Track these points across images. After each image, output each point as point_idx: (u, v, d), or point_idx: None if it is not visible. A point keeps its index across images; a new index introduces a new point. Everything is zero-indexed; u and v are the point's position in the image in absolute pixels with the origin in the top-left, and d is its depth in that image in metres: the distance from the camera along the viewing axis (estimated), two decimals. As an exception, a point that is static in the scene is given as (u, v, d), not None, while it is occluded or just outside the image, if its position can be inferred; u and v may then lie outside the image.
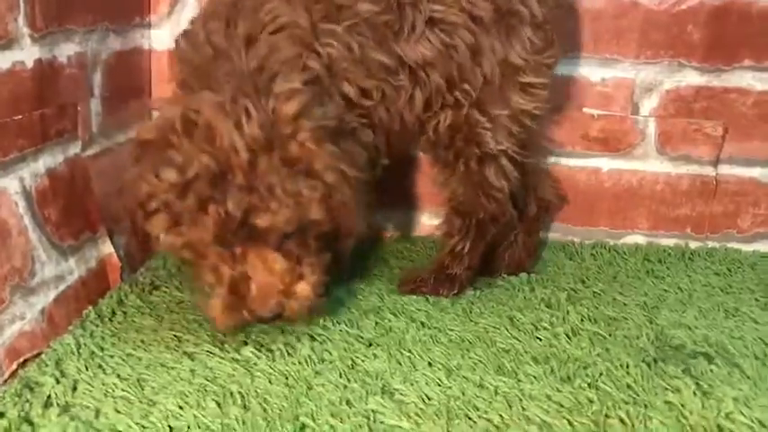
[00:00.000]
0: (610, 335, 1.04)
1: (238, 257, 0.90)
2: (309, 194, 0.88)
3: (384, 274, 1.26)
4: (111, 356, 0.91)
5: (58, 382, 0.84)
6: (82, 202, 1.08)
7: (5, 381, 0.84)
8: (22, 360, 0.88)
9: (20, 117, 0.92)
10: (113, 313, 1.02)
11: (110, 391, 0.84)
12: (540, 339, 1.02)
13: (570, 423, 0.81)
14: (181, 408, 0.81)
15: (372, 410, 0.82)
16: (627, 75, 1.38)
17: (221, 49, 0.95)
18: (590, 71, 1.38)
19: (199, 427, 0.78)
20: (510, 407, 0.84)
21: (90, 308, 1.03)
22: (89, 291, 1.06)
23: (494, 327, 1.05)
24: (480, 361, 0.95)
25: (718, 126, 1.39)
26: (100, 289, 1.09)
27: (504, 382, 0.89)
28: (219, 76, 0.93)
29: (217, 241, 0.87)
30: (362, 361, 0.93)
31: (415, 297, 1.14)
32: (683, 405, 0.85)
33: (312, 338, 0.98)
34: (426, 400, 0.85)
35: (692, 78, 1.38)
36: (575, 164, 1.42)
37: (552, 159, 1.42)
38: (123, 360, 0.91)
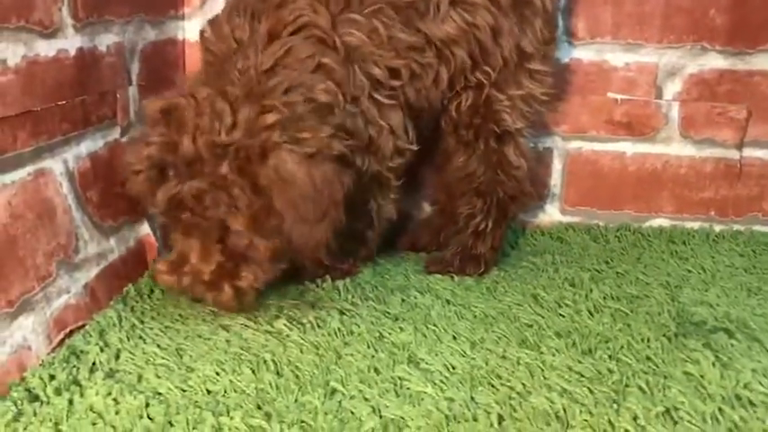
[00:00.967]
0: (631, 311, 1.06)
1: (188, 232, 0.97)
2: (237, 204, 0.93)
3: (410, 255, 1.30)
4: (151, 328, 0.96)
5: (101, 350, 0.89)
6: (121, 186, 1.13)
7: (53, 348, 0.90)
8: (68, 330, 0.93)
9: (63, 102, 0.97)
10: (152, 290, 1.07)
11: (150, 359, 0.88)
12: (563, 316, 1.04)
13: (591, 391, 0.83)
14: (217, 374, 0.85)
15: (399, 378, 0.86)
16: (650, 59, 1.39)
17: (242, 44, 1.00)
18: (614, 56, 1.40)
19: (235, 391, 0.82)
20: (532, 376, 0.87)
21: (130, 285, 1.08)
22: (128, 269, 1.11)
23: (517, 304, 1.08)
24: (504, 335, 0.98)
25: (742, 109, 1.40)
26: (138, 268, 1.14)
27: (527, 353, 0.92)
28: (233, 71, 0.98)
29: (166, 216, 0.97)
30: (389, 334, 0.97)
31: (440, 276, 1.18)
32: (702, 376, 0.87)
33: (341, 313, 1.02)
34: (450, 369, 0.88)
35: (715, 62, 1.39)
36: (599, 148, 1.44)
37: (577, 144, 1.44)
38: (162, 332, 0.96)
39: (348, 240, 1.10)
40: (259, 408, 0.78)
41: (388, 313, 1.03)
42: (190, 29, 1.39)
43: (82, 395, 0.78)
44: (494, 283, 1.16)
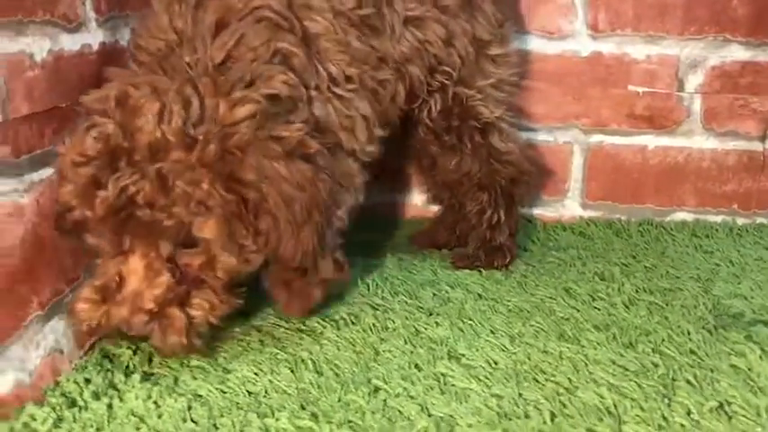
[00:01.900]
0: (667, 304, 1.04)
1: (125, 251, 0.80)
2: (207, 203, 0.77)
3: (434, 253, 1.28)
4: (182, 329, 0.93)
5: (134, 353, 0.86)
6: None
7: (86, 352, 0.87)
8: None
9: (87, 97, 0.95)
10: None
11: (184, 361, 0.86)
12: (599, 309, 1.03)
13: (639, 385, 0.82)
14: (256, 374, 0.83)
15: (441, 374, 0.84)
16: (671, 51, 1.38)
17: (185, 36, 0.87)
18: (635, 49, 1.38)
19: (276, 392, 0.80)
20: (576, 371, 0.85)
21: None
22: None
23: (550, 297, 1.06)
24: (541, 329, 0.96)
25: (765, 101, 1.39)
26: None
27: (568, 347, 0.90)
28: (179, 67, 0.84)
29: (105, 224, 0.78)
30: (425, 329, 0.95)
31: (468, 271, 1.16)
32: (749, 368, 0.86)
33: (374, 308, 1.00)
34: (493, 365, 0.86)
35: (737, 53, 1.37)
36: (621, 142, 1.42)
37: (598, 138, 1.42)
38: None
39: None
40: (303, 408, 0.76)
41: (421, 308, 1.02)
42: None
43: (121, 399, 0.76)
44: (523, 278, 1.14)
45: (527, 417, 0.75)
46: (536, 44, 1.39)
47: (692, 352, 0.90)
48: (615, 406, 0.78)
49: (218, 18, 0.87)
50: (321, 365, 0.85)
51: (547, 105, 1.41)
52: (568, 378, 0.83)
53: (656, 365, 0.87)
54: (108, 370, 0.82)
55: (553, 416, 0.76)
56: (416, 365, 0.86)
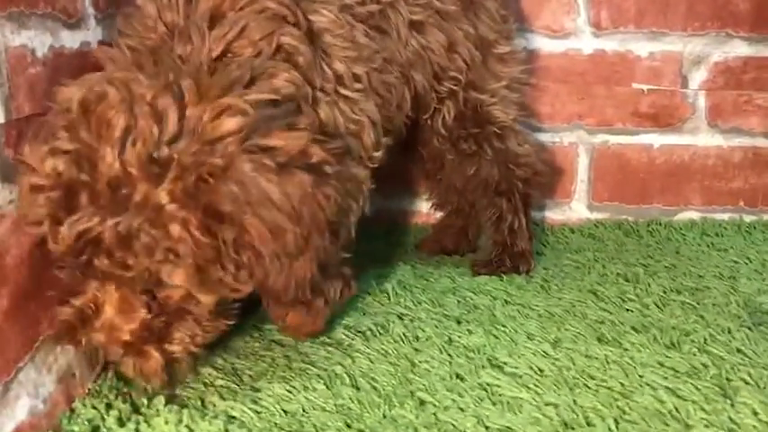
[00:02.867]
0: (698, 303, 1.01)
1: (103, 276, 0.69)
2: (177, 251, 0.66)
3: (445, 259, 1.23)
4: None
5: (150, 373, 0.79)
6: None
7: (98, 375, 0.80)
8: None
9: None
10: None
11: (207, 380, 0.79)
12: (632, 311, 0.99)
13: (696, 387, 0.77)
14: (289, 392, 0.76)
15: (487, 383, 0.79)
16: (675, 48, 1.36)
17: (176, 28, 0.77)
18: (638, 46, 1.36)
19: (314, 409, 0.74)
20: (626, 374, 0.81)
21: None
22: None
23: (579, 301, 1.02)
24: (579, 333, 0.91)
25: (769, 96, 1.38)
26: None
27: (611, 351, 0.86)
28: (167, 63, 0.74)
29: (67, 261, 0.68)
30: (459, 337, 0.90)
31: (487, 277, 1.11)
32: (800, 365, 0.83)
33: (400, 318, 0.95)
34: (538, 372, 0.81)
35: (740, 49, 1.36)
36: (626, 141, 1.40)
37: (604, 137, 1.39)
38: (210, 350, 0.86)
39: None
40: (349, 426, 0.70)
41: (448, 315, 0.96)
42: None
43: (149, 424, 0.69)
44: (544, 281, 1.10)
45: (589, 425, 0.70)
46: (539, 43, 1.36)
47: (738, 350, 0.86)
48: (677, 409, 0.73)
49: (211, 6, 0.78)
50: (357, 379, 0.79)
51: (551, 105, 1.38)
52: (620, 383, 0.79)
53: (705, 366, 0.83)
54: (126, 393, 0.75)
55: (617, 422, 0.71)
56: (458, 376, 0.80)
